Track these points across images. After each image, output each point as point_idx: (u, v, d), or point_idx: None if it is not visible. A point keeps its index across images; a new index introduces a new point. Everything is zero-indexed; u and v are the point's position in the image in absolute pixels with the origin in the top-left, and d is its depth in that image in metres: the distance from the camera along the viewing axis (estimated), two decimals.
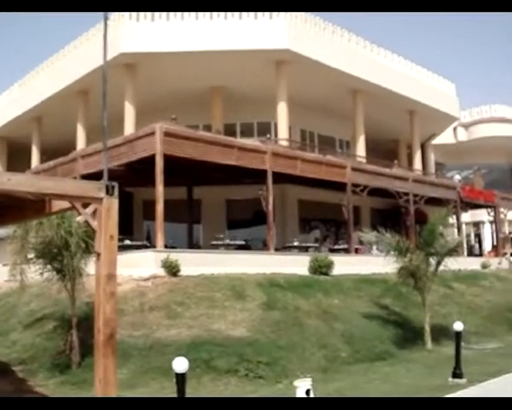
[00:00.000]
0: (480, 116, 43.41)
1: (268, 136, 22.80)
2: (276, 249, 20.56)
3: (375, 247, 21.94)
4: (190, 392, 8.46)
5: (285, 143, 23.87)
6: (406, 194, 25.05)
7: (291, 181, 22.61)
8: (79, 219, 6.25)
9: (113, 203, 5.72)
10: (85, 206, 5.92)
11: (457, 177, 37.37)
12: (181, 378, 6.29)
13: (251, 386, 10.91)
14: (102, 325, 5.84)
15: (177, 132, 17.26)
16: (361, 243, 21.67)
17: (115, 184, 5.56)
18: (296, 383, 7.14)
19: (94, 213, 5.85)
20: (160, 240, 16.45)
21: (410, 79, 31.59)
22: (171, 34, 23.68)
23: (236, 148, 18.78)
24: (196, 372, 11.05)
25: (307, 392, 6.96)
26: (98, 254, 5.86)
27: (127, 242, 19.06)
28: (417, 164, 34.10)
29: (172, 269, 15.42)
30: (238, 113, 27.08)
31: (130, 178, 19.84)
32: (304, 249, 21.81)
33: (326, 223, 29.07)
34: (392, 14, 75.74)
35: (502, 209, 32.61)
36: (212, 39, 23.71)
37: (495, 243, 34.01)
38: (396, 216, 26.98)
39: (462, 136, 43.58)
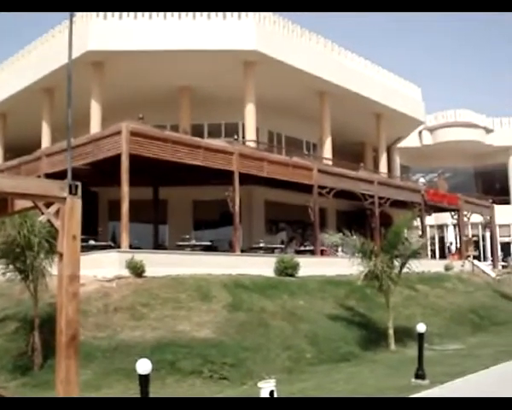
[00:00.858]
0: (444, 120, 44.09)
1: (235, 137, 22.82)
2: (243, 251, 20.56)
3: (340, 249, 22.12)
4: (154, 393, 8.42)
5: (252, 145, 23.91)
6: (371, 196, 25.29)
7: (258, 182, 22.65)
8: (42, 218, 6.16)
9: (77, 203, 5.63)
10: (48, 205, 5.82)
11: (422, 180, 37.92)
12: (144, 380, 6.25)
13: (215, 387, 10.89)
14: (65, 327, 5.75)
15: (144, 132, 17.13)
16: (327, 244, 21.81)
17: (78, 183, 5.48)
18: (260, 384, 7.15)
19: (57, 212, 5.76)
20: (124, 240, 16.29)
21: (376, 83, 31.98)
22: (139, 33, 23.54)
23: (203, 148, 18.72)
24: (161, 374, 10.99)
25: (271, 393, 6.99)
26: (61, 255, 5.77)
27: (92, 242, 18.86)
28: (383, 167, 34.54)
29: (137, 270, 15.28)
30: (206, 113, 27.06)
31: (96, 178, 19.64)
32: (270, 251, 21.85)
33: (292, 224, 29.21)
34: (358, 17, 76.52)
35: (465, 212, 33.15)
36: (180, 39, 23.62)
37: (458, 246, 34.55)
38: (361, 218, 27.20)
39: (428, 139, 44.22)
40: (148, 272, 15.43)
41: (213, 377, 11.43)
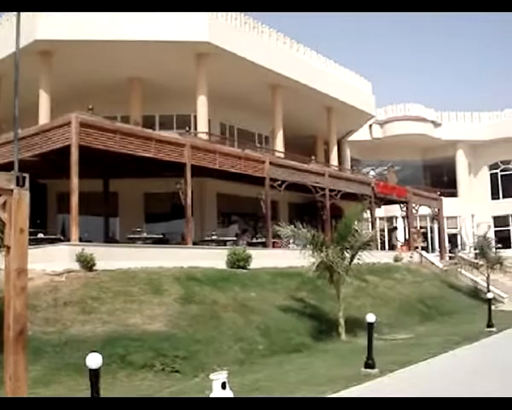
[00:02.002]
0: (394, 114, 44.84)
1: (187, 129, 22.67)
2: (195, 243, 20.51)
3: (292, 241, 22.29)
4: (105, 388, 8.34)
5: (204, 137, 23.81)
6: (323, 189, 25.54)
7: (210, 175, 22.61)
8: None
9: (24, 195, 5.53)
10: None
11: (372, 173, 38.57)
12: (94, 374, 6.18)
13: (167, 381, 10.84)
14: (12, 322, 5.65)
15: (94, 123, 16.86)
16: (279, 236, 21.96)
17: (26, 175, 5.38)
18: (212, 376, 7.15)
19: (3, 205, 5.64)
20: (74, 233, 16.01)
21: (328, 77, 32.26)
22: (89, 22, 23.01)
23: (154, 140, 18.54)
24: (112, 368, 10.89)
25: (223, 385, 6.99)
26: (8, 248, 5.66)
27: (40, 235, 18.49)
28: (334, 160, 34.88)
29: (87, 263, 15.08)
30: (157, 105, 26.82)
31: (45, 170, 19.27)
32: (222, 243, 21.84)
33: (245, 217, 29.28)
34: (312, 14, 76.94)
35: (413, 204, 33.83)
36: (131, 29, 23.26)
37: (407, 237, 35.25)
38: (313, 210, 27.49)
39: (378, 133, 44.86)
40: (99, 266, 15.24)
41: (165, 370, 11.38)
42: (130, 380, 10.85)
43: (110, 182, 22.70)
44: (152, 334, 12.52)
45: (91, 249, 15.55)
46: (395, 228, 41.04)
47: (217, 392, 6.95)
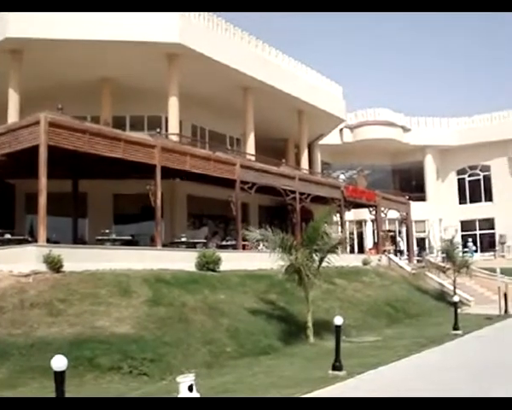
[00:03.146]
0: (364, 119, 45.26)
1: (158, 130, 22.56)
2: (164, 245, 20.43)
3: (261, 243, 22.35)
4: (72, 390, 8.28)
5: (175, 138, 23.75)
6: (293, 192, 25.66)
7: (180, 176, 22.55)
8: None
9: None
10: None
11: (342, 176, 38.85)
12: (59, 377, 6.14)
13: (134, 383, 10.79)
14: None
15: (63, 123, 16.68)
16: (249, 239, 22.01)
17: None
18: (179, 378, 7.15)
19: None
20: (42, 234, 15.81)
21: (299, 80, 32.45)
22: (60, 21, 22.77)
23: (124, 141, 18.39)
24: (79, 371, 10.81)
25: (190, 387, 7.00)
26: None
27: (7, 236, 18.26)
28: (304, 163, 35.08)
29: (55, 265, 14.89)
30: (128, 105, 26.69)
31: (13, 169, 19.05)
32: (192, 245, 21.79)
33: (215, 219, 29.28)
34: (283, 15, 77.26)
35: (382, 208, 34.18)
36: (102, 29, 23.04)
37: (376, 241, 35.59)
38: (283, 213, 27.60)
39: (348, 137, 45.25)
40: (67, 267, 15.06)
41: (133, 372, 11.32)
42: (98, 383, 10.78)
43: (79, 182, 22.49)
44: (120, 336, 12.44)
45: (59, 251, 15.36)
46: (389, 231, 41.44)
47: (184, 395, 6.95)
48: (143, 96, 25.81)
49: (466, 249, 36.37)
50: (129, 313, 13.59)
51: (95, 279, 14.91)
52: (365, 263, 29.20)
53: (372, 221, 36.17)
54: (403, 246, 40.35)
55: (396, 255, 35.74)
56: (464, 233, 46.09)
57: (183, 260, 18.66)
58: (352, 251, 37.42)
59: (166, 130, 25.31)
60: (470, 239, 44.53)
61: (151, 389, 10.11)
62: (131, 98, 26.04)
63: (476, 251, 43.28)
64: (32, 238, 18.49)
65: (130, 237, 21.50)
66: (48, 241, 16.39)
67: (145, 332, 12.93)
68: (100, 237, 19.78)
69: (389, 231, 40.83)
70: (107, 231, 20.61)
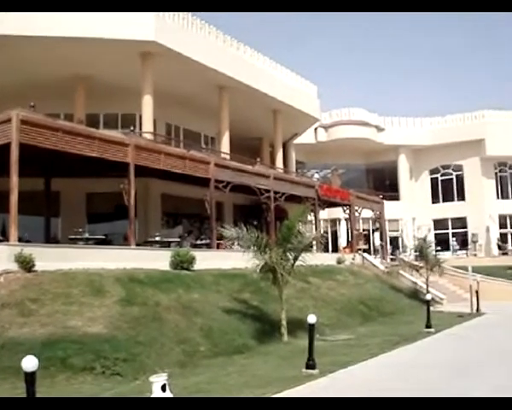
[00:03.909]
0: (339, 118, 45.51)
1: (131, 128, 22.41)
2: (138, 244, 20.30)
3: (236, 242, 22.37)
4: (44, 391, 8.20)
5: (149, 137, 23.63)
6: (267, 191, 25.69)
7: (155, 175, 22.43)
8: None
9: None
10: None
11: (316, 176, 39.04)
12: (30, 377, 6.08)
13: (107, 383, 10.71)
14: None
15: (35, 121, 16.48)
16: (223, 238, 22.02)
17: None
18: (152, 378, 7.12)
19: None
20: (13, 233, 15.61)
21: (274, 79, 32.52)
22: (33, 17, 22.47)
23: (97, 139, 18.23)
24: (51, 371, 10.70)
25: (163, 387, 6.97)
26: None
27: None
28: (279, 162, 35.17)
29: (27, 264, 14.70)
30: (102, 103, 26.47)
31: None
32: (166, 244, 21.70)
33: (190, 218, 29.18)
34: (256, 15, 77.30)
35: (356, 207, 34.41)
36: (76, 26, 22.80)
37: (350, 240, 35.82)
38: (258, 212, 27.60)
39: (323, 136, 45.45)
40: (39, 267, 14.88)
41: (106, 373, 11.23)
42: (70, 383, 10.68)
43: (52, 181, 22.24)
44: (92, 336, 12.33)
45: (31, 250, 15.16)
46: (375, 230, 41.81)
47: (156, 395, 6.92)
48: (117, 94, 25.63)
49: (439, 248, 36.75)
50: (102, 313, 13.48)
51: (67, 279, 14.76)
52: (339, 262, 29.37)
53: (346, 220, 36.41)
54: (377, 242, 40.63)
55: (375, 254, 36.07)
56: (437, 232, 46.67)
57: (157, 260, 18.57)
58: (326, 250, 37.57)
59: (140, 128, 25.16)
60: (454, 238, 45.23)
61: (124, 390, 10.04)
62: (105, 96, 25.82)
63: (457, 249, 44.12)
64: (4, 237, 18.24)
65: (103, 237, 21.35)
66: (19, 240, 16.15)
67: (118, 332, 12.84)
68: (73, 237, 19.60)
69: (363, 230, 41.19)
70: (80, 230, 20.42)
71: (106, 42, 23.26)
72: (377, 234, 41.48)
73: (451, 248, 44.37)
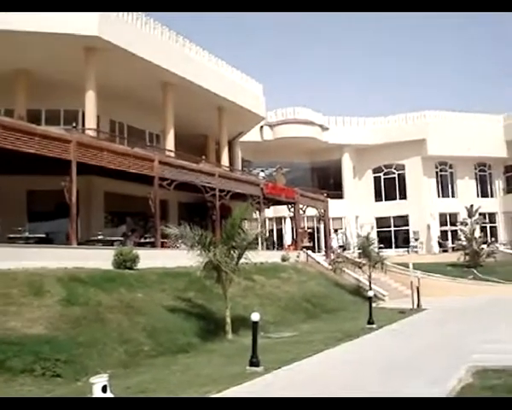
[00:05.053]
0: (284, 117, 45.71)
1: (74, 124, 21.98)
2: (80, 243, 19.96)
3: (180, 241, 22.25)
4: None
5: (92, 133, 23.23)
6: (213, 189, 25.67)
7: (98, 173, 22.05)
8: None
9: None
10: None
11: (262, 174, 39.16)
12: None
13: (48, 385, 10.48)
14: None
15: None
16: (168, 236, 21.87)
17: None
18: (92, 379, 7.00)
19: None
20: None
21: (220, 77, 32.48)
22: None
23: (38, 135, 17.83)
24: None
25: (104, 388, 6.86)
26: None
27: None
28: (225, 160, 35.14)
29: None
30: (44, 99, 25.89)
31: None
32: (109, 243, 21.38)
33: (134, 216, 28.81)
34: (206, 14, 77.00)
35: (301, 205, 34.71)
36: (17, 19, 22.08)
37: (295, 238, 36.10)
38: (203, 210, 27.54)
39: (268, 135, 45.56)
40: None
41: (46, 374, 10.98)
42: (9, 386, 10.38)
43: None
44: (32, 337, 12.04)
45: None
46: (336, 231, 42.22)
47: (97, 396, 6.81)
48: (60, 89, 25.14)
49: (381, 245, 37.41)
50: (42, 314, 13.18)
51: (6, 279, 14.35)
52: (284, 259, 29.58)
53: (291, 218, 36.65)
54: (338, 242, 41.07)
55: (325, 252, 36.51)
56: (379, 230, 47.55)
57: (100, 259, 18.29)
58: (272, 248, 37.77)
59: (83, 125, 24.71)
60: (414, 237, 46.20)
61: (65, 391, 9.86)
62: (47, 91, 25.27)
63: (416, 247, 45.16)
64: None
65: (44, 235, 20.82)
66: None
67: (59, 333, 12.58)
68: (12, 236, 19.06)
69: (308, 228, 41.61)
70: (19, 228, 19.90)
71: (48, 36, 22.72)
72: (339, 234, 42.16)
73: (410, 244, 45.37)
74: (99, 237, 21.34)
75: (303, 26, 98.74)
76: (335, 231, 42.46)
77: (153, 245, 22.78)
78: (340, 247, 39.34)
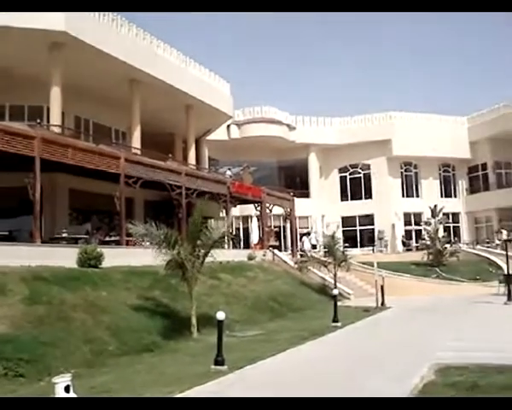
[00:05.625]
0: (252, 116, 45.79)
1: (38, 121, 21.66)
2: (44, 241, 19.67)
3: (145, 239, 22.12)
4: None
5: (57, 130, 22.93)
6: (179, 187, 25.57)
7: (62, 170, 21.79)
8: None
9: None
10: None
11: (229, 173, 39.14)
12: None
13: (10, 386, 10.34)
14: None
15: None
16: (133, 234, 21.71)
17: None
18: (55, 379, 6.93)
19: None
20: None
21: (187, 75, 32.41)
22: None
23: (1, 131, 17.54)
24: None
25: (66, 388, 6.81)
26: None
27: None
28: (192, 159, 35.08)
29: None
30: (8, 94, 25.44)
31: None
32: (73, 241, 21.14)
33: (99, 214, 28.51)
34: (176, 14, 76.62)
35: (267, 204, 34.80)
36: None
37: (261, 236, 36.18)
38: (169, 209, 27.38)
39: (236, 134, 45.57)
40: None
41: (8, 374, 10.83)
42: None
43: None
44: None
45: None
46: (308, 234, 42.34)
47: (59, 396, 6.75)
48: (24, 84, 24.80)
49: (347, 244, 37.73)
50: (4, 313, 12.97)
51: None
52: (250, 258, 29.63)
53: (257, 217, 36.73)
54: (313, 241, 41.18)
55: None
56: (345, 229, 47.97)
57: (64, 257, 18.06)
58: (238, 246, 37.80)
59: (48, 121, 24.38)
60: (379, 237, 46.65)
61: (27, 391, 9.75)
62: (12, 86, 24.88)
63: (381, 246, 45.62)
64: None
65: (6, 233, 20.47)
66: None
67: (21, 332, 12.41)
68: None
69: (274, 226, 41.74)
70: None
71: (13, 30, 22.37)
72: (312, 234, 42.39)
73: (375, 243, 45.84)
74: (63, 235, 21.09)
75: (273, 24, 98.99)
76: (308, 234, 42.61)
77: (118, 243, 22.59)
78: (313, 247, 39.50)
